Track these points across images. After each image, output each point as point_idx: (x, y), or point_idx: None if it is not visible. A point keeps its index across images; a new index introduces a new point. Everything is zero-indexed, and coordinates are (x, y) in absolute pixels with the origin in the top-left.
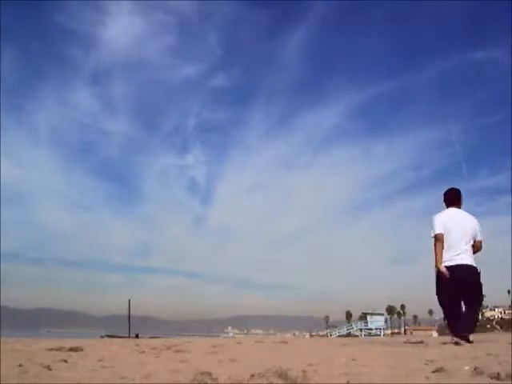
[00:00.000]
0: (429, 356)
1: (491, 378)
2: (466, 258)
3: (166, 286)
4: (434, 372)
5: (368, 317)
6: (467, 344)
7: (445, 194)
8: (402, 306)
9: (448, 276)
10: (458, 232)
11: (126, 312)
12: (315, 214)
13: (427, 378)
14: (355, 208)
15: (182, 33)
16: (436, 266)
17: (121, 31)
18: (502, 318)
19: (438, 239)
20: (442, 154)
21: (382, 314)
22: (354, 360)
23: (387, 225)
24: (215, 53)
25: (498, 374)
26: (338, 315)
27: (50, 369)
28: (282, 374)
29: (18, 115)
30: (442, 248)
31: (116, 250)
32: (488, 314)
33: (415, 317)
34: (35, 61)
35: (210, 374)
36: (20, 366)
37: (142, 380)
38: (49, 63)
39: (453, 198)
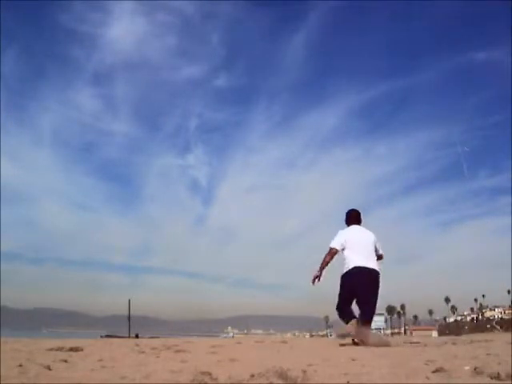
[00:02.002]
0: (429, 356)
1: (491, 378)
2: (370, 263)
3: (166, 286)
4: (434, 372)
5: None
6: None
7: (347, 214)
8: (402, 306)
9: (317, 281)
10: (360, 243)
11: (126, 312)
12: (316, 214)
13: (427, 378)
14: (356, 208)
15: (184, 33)
16: (318, 270)
17: (123, 31)
18: (501, 318)
19: (330, 252)
20: (443, 154)
21: (382, 314)
22: (353, 360)
23: (388, 225)
24: (217, 53)
25: (498, 373)
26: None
27: (50, 369)
28: (282, 374)
29: (19, 115)
30: (329, 261)
31: (116, 250)
32: (488, 313)
33: (415, 317)
34: (37, 61)
35: (209, 374)
36: (20, 365)
37: (142, 380)
38: (51, 63)
39: (354, 218)
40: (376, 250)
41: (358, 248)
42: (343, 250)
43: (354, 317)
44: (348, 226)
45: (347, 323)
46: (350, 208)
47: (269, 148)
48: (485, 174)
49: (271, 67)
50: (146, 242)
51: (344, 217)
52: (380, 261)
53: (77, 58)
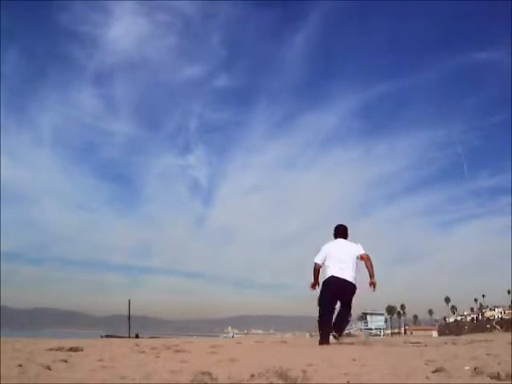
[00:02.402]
0: (429, 356)
1: (491, 378)
2: (346, 274)
3: (166, 286)
4: (434, 372)
5: (368, 317)
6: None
7: (334, 229)
8: (402, 306)
9: (316, 287)
10: (339, 255)
11: (126, 312)
12: (316, 214)
13: (427, 378)
14: (356, 208)
15: (185, 33)
16: (313, 280)
17: (124, 32)
18: (501, 318)
19: (314, 268)
20: (443, 155)
21: (382, 314)
22: (353, 360)
23: (388, 225)
24: (218, 53)
25: (498, 373)
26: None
27: (50, 369)
28: (282, 374)
29: (20, 115)
30: (317, 274)
31: (116, 250)
32: (488, 313)
33: (415, 317)
34: (38, 61)
35: (209, 373)
36: (20, 366)
37: (142, 380)
38: (51, 63)
39: (340, 232)
40: (356, 264)
41: (336, 259)
42: (326, 258)
43: (327, 339)
44: (335, 238)
45: (320, 341)
46: (338, 223)
47: (269, 148)
48: (485, 174)
49: (271, 67)
50: (146, 242)
51: (333, 230)
52: (366, 259)
53: (77, 58)
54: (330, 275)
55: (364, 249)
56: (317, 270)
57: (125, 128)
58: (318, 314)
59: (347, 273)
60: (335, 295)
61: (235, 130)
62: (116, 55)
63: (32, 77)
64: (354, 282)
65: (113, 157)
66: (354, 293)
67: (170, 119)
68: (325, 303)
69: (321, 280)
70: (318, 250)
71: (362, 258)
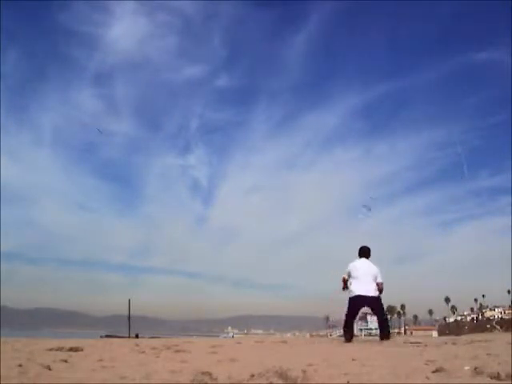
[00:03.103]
0: (429, 356)
1: (491, 378)
2: (370, 291)
3: (166, 286)
4: (434, 372)
5: (368, 317)
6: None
7: (359, 249)
8: (402, 306)
9: (344, 291)
10: (363, 274)
11: (126, 312)
12: (316, 214)
13: (427, 378)
14: (357, 208)
15: (186, 33)
16: (342, 289)
17: (124, 32)
18: (501, 318)
19: (342, 280)
20: (443, 155)
21: None
22: (353, 360)
23: (388, 225)
24: (218, 53)
25: (498, 373)
26: (338, 315)
27: (50, 369)
28: (282, 374)
29: (20, 115)
30: (344, 283)
31: (116, 250)
32: (488, 313)
33: (415, 317)
34: (38, 61)
35: (210, 373)
36: (20, 365)
37: (142, 380)
38: (52, 63)
39: (363, 252)
40: (375, 280)
41: (361, 279)
42: (349, 275)
43: (350, 337)
44: (359, 257)
45: (346, 339)
46: (363, 245)
47: (269, 148)
48: (485, 174)
49: (272, 67)
50: (146, 242)
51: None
52: (379, 288)
53: (78, 58)
54: (355, 294)
55: (382, 277)
56: (344, 281)
57: (125, 128)
58: (343, 322)
59: (370, 289)
60: (359, 309)
61: (235, 130)
62: (116, 55)
63: (32, 77)
64: (376, 294)
65: (113, 157)
66: (379, 301)
67: (171, 119)
68: (348, 317)
69: (348, 294)
70: (346, 267)
71: (377, 284)
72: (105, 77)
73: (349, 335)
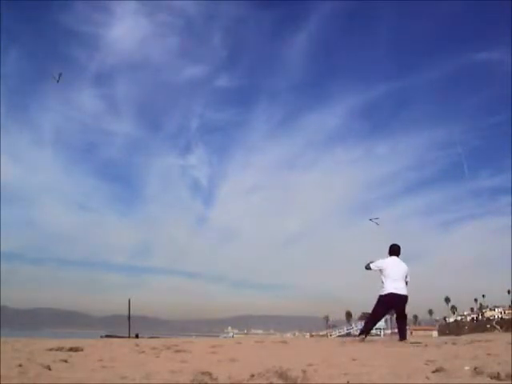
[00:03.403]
0: (429, 356)
1: (491, 378)
2: (401, 290)
3: (166, 286)
4: (434, 372)
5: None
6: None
7: (390, 247)
8: None
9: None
10: (396, 272)
11: (126, 312)
12: (317, 215)
13: (427, 378)
14: (357, 208)
15: (186, 33)
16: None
17: (125, 32)
18: (502, 318)
19: (367, 266)
20: (443, 155)
21: None
22: (354, 360)
23: (389, 225)
24: (219, 54)
25: (498, 373)
26: (338, 315)
27: (50, 369)
28: (282, 374)
29: (21, 115)
30: (367, 267)
31: (117, 250)
32: (488, 313)
33: (415, 317)
34: (39, 61)
35: (210, 373)
36: (20, 365)
37: (142, 380)
38: (53, 64)
39: (394, 251)
40: (405, 278)
41: (393, 277)
42: (381, 272)
43: (366, 335)
44: (390, 255)
45: (360, 335)
46: (393, 243)
47: (270, 148)
48: (485, 174)
49: (272, 67)
50: (146, 242)
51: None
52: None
53: (79, 59)
54: (388, 292)
55: (409, 276)
56: (367, 267)
57: (126, 128)
58: (369, 316)
59: (402, 288)
60: (389, 309)
61: (236, 129)
62: (117, 55)
63: (33, 77)
64: (407, 294)
65: (113, 157)
66: (407, 302)
67: (171, 119)
68: (377, 314)
69: (380, 292)
70: (377, 259)
71: (405, 283)
72: (105, 77)
73: (366, 334)
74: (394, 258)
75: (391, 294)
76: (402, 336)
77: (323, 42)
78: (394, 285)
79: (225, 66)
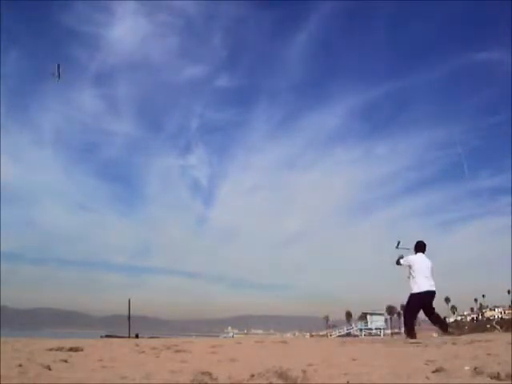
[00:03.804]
0: (429, 356)
1: (491, 377)
2: (433, 285)
3: (166, 286)
4: (434, 372)
5: (368, 317)
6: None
7: (416, 244)
8: (402, 306)
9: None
10: (425, 268)
11: (125, 312)
12: (317, 215)
13: (427, 377)
14: (357, 208)
15: (187, 33)
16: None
17: (125, 32)
18: (501, 318)
19: (396, 262)
20: (443, 155)
21: (382, 314)
22: (354, 360)
23: (389, 225)
24: (219, 54)
25: (498, 373)
26: (338, 315)
27: (50, 369)
28: (282, 374)
29: (21, 115)
30: (397, 262)
31: (117, 250)
32: (488, 313)
33: None
34: (39, 61)
35: (210, 373)
36: (20, 365)
37: (142, 380)
38: (53, 64)
39: (421, 247)
40: (433, 274)
41: (424, 273)
42: (410, 267)
43: (415, 333)
44: (416, 252)
45: (410, 334)
46: (419, 240)
47: (270, 148)
48: (485, 174)
49: (272, 68)
50: (146, 242)
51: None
52: None
53: (79, 59)
54: (424, 290)
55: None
56: (397, 262)
57: (126, 128)
58: (405, 313)
59: (433, 285)
60: (422, 305)
61: (236, 130)
62: (117, 55)
63: (33, 77)
64: (435, 289)
65: (114, 157)
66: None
67: (171, 119)
68: (415, 311)
69: (413, 286)
70: (406, 255)
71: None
72: (106, 77)
73: (413, 329)
74: (420, 254)
75: (427, 291)
76: (446, 328)
77: (323, 42)
78: (429, 282)
79: (225, 66)
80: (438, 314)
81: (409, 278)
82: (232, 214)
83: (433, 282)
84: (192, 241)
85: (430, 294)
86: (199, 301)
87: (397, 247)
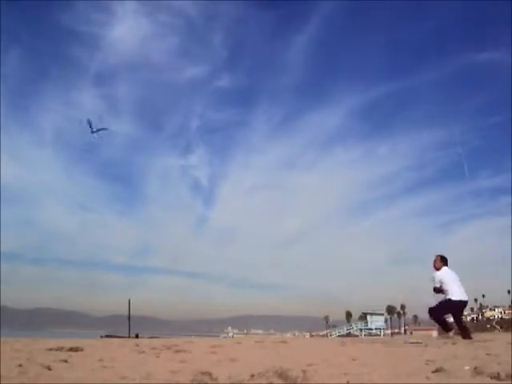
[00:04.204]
0: (429, 356)
1: (491, 378)
2: (466, 295)
3: (166, 286)
4: (434, 372)
5: (368, 317)
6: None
7: (443, 258)
8: (402, 306)
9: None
10: (455, 279)
11: (125, 312)
12: (317, 215)
13: (427, 378)
14: (357, 208)
15: (187, 34)
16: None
17: (126, 32)
18: (502, 318)
19: (434, 290)
20: (443, 155)
21: (382, 314)
22: (354, 360)
23: (389, 225)
24: (220, 54)
25: (498, 373)
26: (338, 315)
27: (50, 369)
28: (282, 374)
29: (22, 115)
30: (438, 291)
31: (117, 250)
32: (488, 313)
33: (415, 317)
34: (40, 61)
35: (210, 373)
36: (20, 365)
37: (142, 380)
38: (54, 64)
39: (446, 261)
40: None
41: (457, 283)
42: (442, 282)
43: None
44: (443, 266)
45: (446, 331)
46: (439, 254)
47: (270, 148)
48: (485, 174)
49: (273, 68)
50: (146, 242)
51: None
52: None
53: (79, 59)
54: (459, 298)
55: None
56: (436, 290)
57: (126, 128)
58: (438, 312)
59: (465, 294)
60: (455, 310)
61: (236, 130)
62: (118, 55)
63: (34, 77)
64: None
65: (114, 157)
66: None
67: (172, 119)
68: (445, 312)
69: (451, 293)
70: (434, 278)
71: None
72: (106, 77)
73: (448, 327)
74: (446, 267)
75: (462, 300)
76: (469, 335)
77: (323, 43)
78: (461, 290)
79: (225, 67)
80: (464, 321)
81: (439, 291)
82: (232, 214)
83: (464, 291)
84: (192, 241)
85: (464, 303)
86: (199, 301)
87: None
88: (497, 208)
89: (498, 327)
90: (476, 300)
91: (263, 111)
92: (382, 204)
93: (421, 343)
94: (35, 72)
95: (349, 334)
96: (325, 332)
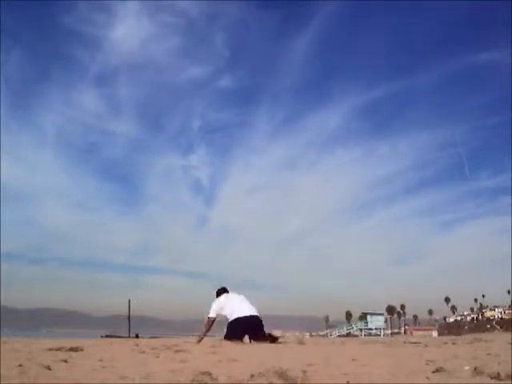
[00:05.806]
0: (429, 356)
1: (491, 378)
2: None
3: (166, 286)
4: (434, 372)
5: (368, 317)
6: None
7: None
8: (402, 306)
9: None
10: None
11: (125, 312)
12: (318, 215)
13: (427, 378)
14: (357, 208)
15: (189, 34)
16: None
17: (127, 32)
18: (501, 318)
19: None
20: (444, 155)
21: (382, 314)
22: (354, 360)
23: (389, 225)
24: (221, 54)
25: (498, 373)
26: (338, 315)
27: (49, 369)
28: (282, 374)
29: (22, 116)
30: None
31: (117, 250)
32: (488, 313)
33: (415, 317)
34: (41, 62)
35: (209, 374)
36: (20, 365)
37: (142, 380)
38: (55, 64)
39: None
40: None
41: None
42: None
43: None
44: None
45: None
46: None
47: (271, 149)
48: (485, 174)
49: (274, 68)
50: (147, 242)
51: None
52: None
53: (80, 59)
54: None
55: None
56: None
57: (127, 128)
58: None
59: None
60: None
61: (237, 130)
62: (119, 56)
63: (35, 77)
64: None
65: (115, 157)
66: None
67: (173, 119)
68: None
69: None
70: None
71: None
72: (107, 77)
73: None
74: (228, 294)
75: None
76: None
77: (325, 43)
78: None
79: (227, 67)
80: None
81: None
82: (233, 214)
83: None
84: (192, 241)
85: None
86: (199, 301)
87: None
88: (497, 208)
89: (498, 327)
90: (476, 300)
91: (264, 112)
92: (382, 204)
93: (421, 343)
94: (36, 72)
95: (349, 334)
96: (325, 332)
